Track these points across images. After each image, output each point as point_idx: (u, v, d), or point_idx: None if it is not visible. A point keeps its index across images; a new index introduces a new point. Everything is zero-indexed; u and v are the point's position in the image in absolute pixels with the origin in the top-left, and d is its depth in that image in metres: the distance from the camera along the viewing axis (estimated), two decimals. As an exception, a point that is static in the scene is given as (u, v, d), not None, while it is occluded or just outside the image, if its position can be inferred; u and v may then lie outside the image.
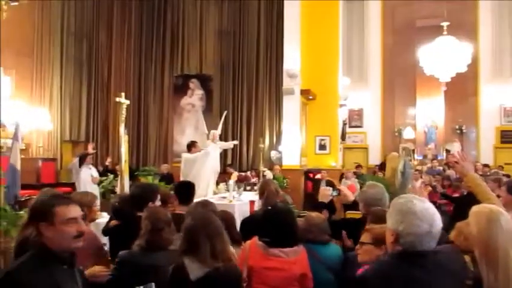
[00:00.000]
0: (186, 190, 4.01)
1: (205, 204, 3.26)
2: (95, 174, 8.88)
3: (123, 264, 2.68)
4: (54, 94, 13.16)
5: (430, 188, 7.59)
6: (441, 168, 12.66)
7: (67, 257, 1.89)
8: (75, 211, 1.97)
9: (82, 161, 8.65)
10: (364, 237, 2.39)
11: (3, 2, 8.34)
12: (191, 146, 7.84)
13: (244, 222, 3.89)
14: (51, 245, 1.86)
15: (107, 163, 11.32)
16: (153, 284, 2.27)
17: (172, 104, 13.78)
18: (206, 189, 7.55)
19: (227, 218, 3.12)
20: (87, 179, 8.52)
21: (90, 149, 9.00)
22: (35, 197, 2.75)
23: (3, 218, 4.49)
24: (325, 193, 3.75)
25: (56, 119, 13.04)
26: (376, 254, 2.27)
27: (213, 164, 8.02)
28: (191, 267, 2.30)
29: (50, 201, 1.94)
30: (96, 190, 8.25)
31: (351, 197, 3.76)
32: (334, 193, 3.69)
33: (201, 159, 7.62)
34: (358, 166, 12.66)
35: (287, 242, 2.76)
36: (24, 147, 11.32)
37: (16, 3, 8.95)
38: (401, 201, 1.92)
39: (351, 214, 3.70)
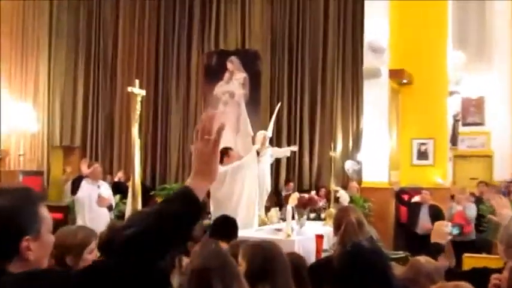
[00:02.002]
0: (222, 227, 4.07)
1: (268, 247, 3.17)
2: (106, 192, 8.53)
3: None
4: (41, 83, 13.75)
5: None
6: None
7: None
8: None
9: (75, 187, 8.50)
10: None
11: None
12: (223, 155, 7.87)
13: (313, 269, 3.80)
14: None
15: (115, 179, 11.64)
16: None
17: (202, 93, 14.08)
18: (248, 218, 7.57)
19: (299, 264, 3.11)
20: (90, 200, 8.25)
21: (84, 168, 8.79)
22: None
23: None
24: (442, 230, 3.60)
25: (42, 117, 13.62)
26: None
27: (259, 181, 8.06)
28: None
29: None
30: (106, 217, 8.20)
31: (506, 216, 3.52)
32: (455, 231, 3.54)
33: (236, 172, 7.64)
34: (483, 183, 11.97)
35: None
36: (-1, 157, 12.03)
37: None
38: None
39: (472, 258, 3.53)
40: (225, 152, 7.97)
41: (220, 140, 1.63)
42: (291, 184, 12.09)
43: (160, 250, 1.59)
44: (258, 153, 7.82)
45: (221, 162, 7.80)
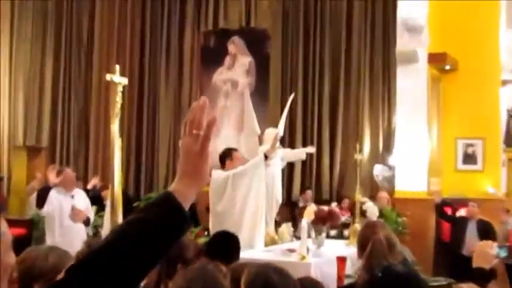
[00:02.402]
0: (221, 245, 4.10)
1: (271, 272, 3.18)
2: (83, 204, 8.53)
3: None
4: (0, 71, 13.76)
5: None
6: None
7: None
8: None
9: (42, 199, 8.35)
10: None
11: None
12: (226, 157, 7.88)
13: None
14: None
15: (88, 187, 11.65)
16: None
17: (197, 82, 14.12)
18: (253, 236, 7.57)
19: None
20: (62, 213, 8.20)
21: (52, 176, 8.68)
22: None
23: None
24: (486, 252, 3.59)
25: (1, 111, 13.60)
26: None
27: (267, 190, 8.13)
28: None
29: None
30: (82, 234, 8.19)
31: None
32: (503, 253, 3.52)
33: (238, 180, 7.64)
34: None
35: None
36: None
37: None
38: None
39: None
40: (228, 153, 7.98)
41: (210, 136, 1.62)
42: (307, 194, 12.07)
43: (126, 272, 1.54)
44: (266, 156, 7.82)
45: (223, 166, 7.82)
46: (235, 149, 8.29)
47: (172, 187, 1.62)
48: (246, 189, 7.66)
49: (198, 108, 1.63)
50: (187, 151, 1.63)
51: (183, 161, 1.65)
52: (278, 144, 8.46)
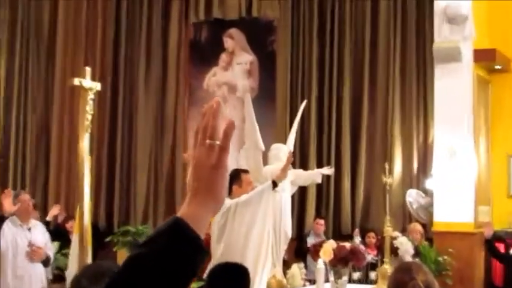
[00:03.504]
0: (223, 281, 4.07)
1: None
2: (42, 239, 8.45)
3: None
4: None
5: None
6: None
7: None
8: None
9: None
10: None
11: None
12: (232, 181, 7.82)
13: None
14: None
15: (48, 218, 11.61)
16: None
17: (185, 86, 14.18)
18: (256, 280, 7.56)
19: None
20: (16, 250, 8.14)
21: (8, 203, 8.38)
22: None
23: None
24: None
25: None
26: None
27: (275, 223, 8.17)
28: None
29: None
30: (41, 276, 8.22)
31: None
32: None
33: (239, 214, 7.61)
34: None
35: None
36: None
37: None
38: None
39: None
40: (236, 176, 7.93)
41: (228, 146, 1.62)
42: (323, 225, 11.99)
43: None
44: (275, 183, 7.78)
45: (229, 193, 7.77)
46: (244, 171, 8.18)
47: (181, 212, 1.58)
48: (248, 225, 7.64)
49: (211, 112, 1.64)
50: (199, 165, 1.62)
51: (194, 178, 1.62)
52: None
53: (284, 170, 7.84)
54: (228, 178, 1.65)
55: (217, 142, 1.61)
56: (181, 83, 14.19)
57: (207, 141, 1.61)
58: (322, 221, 11.99)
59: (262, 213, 7.71)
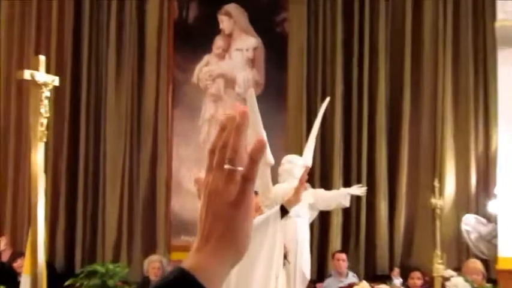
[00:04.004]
0: None
1: None
2: None
3: None
4: None
5: None
6: None
7: None
8: None
9: None
10: None
11: None
12: None
13: None
14: None
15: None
16: None
17: (168, 79, 14.17)
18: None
19: None
20: None
21: None
22: None
23: None
24: None
25: None
26: None
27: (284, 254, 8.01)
28: None
29: None
30: None
31: None
32: None
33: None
34: None
35: None
36: None
37: None
38: None
39: None
40: None
41: (255, 175, 1.50)
42: (343, 258, 11.86)
43: None
44: (284, 209, 7.64)
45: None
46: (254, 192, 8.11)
47: (188, 262, 1.51)
48: (250, 265, 7.57)
49: (233, 125, 1.53)
50: (214, 199, 1.54)
51: (206, 215, 1.55)
52: (304, 182, 8.31)
53: (297, 193, 7.75)
54: (252, 220, 1.56)
55: (240, 168, 1.50)
56: (163, 76, 14.17)
57: (226, 166, 1.51)
58: (343, 255, 11.97)
59: (268, 250, 7.69)
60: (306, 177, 8.10)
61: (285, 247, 7.71)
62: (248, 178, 1.50)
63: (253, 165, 1.49)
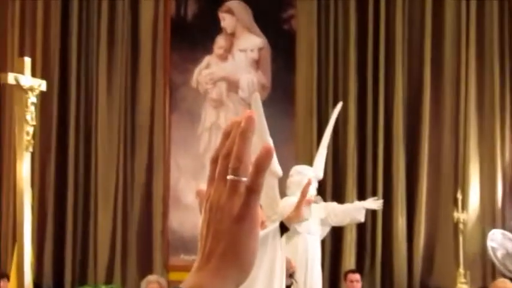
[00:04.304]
0: None
1: None
2: None
3: None
4: None
5: None
6: None
7: None
8: None
9: None
10: None
11: None
12: None
13: None
14: None
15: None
16: None
17: (164, 82, 14.19)
18: None
19: None
20: None
21: None
22: None
23: None
24: None
25: None
26: None
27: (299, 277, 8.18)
28: None
29: None
30: None
31: None
32: None
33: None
34: None
35: None
36: None
37: None
38: None
39: None
40: None
41: (261, 188, 1.49)
42: (357, 279, 11.86)
43: None
44: (284, 226, 7.73)
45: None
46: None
47: (187, 283, 1.51)
48: (247, 284, 7.54)
49: (238, 131, 1.51)
50: (216, 213, 1.53)
51: (207, 231, 1.54)
52: (314, 195, 8.45)
53: (298, 208, 7.75)
54: (258, 236, 1.57)
55: (244, 179, 1.49)
56: (159, 79, 14.17)
57: (229, 176, 1.50)
58: (357, 276, 11.85)
59: (267, 270, 7.57)
60: (308, 190, 8.18)
61: (291, 265, 7.68)
62: (253, 190, 1.48)
63: (258, 175, 1.47)
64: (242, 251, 1.53)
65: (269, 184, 9.02)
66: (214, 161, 1.52)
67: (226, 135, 1.51)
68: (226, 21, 13.82)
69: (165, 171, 13.81)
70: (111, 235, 13.98)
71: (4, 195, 13.18)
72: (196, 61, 13.95)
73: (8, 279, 8.99)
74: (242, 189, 1.48)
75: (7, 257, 12.29)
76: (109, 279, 13.50)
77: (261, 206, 8.02)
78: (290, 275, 7.57)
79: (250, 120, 1.47)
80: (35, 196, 10.20)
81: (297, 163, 10.08)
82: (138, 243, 13.98)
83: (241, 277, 1.54)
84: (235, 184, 1.48)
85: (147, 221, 14.03)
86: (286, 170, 9.17)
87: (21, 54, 7.36)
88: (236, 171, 1.47)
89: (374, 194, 11.97)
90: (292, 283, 7.73)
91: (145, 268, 13.51)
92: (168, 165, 13.89)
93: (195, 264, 1.52)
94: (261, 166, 1.47)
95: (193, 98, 13.73)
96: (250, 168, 1.48)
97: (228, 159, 1.48)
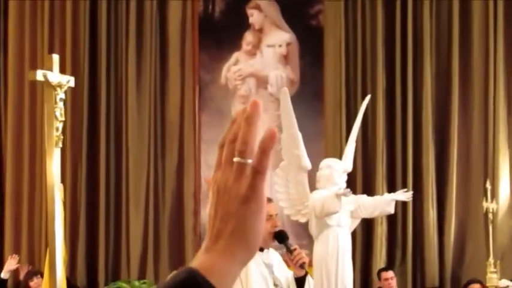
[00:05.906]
0: None
1: None
2: None
3: None
4: None
5: None
6: None
7: None
8: None
9: None
10: None
11: None
12: None
13: None
14: None
15: (3, 275, 11.69)
16: None
17: (193, 79, 14.25)
18: None
19: None
20: None
21: None
22: None
23: None
24: None
25: None
26: None
27: (326, 272, 8.33)
28: None
29: None
30: None
31: None
32: None
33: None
34: None
35: None
36: None
37: None
38: None
39: None
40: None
41: (266, 169, 1.54)
42: (391, 277, 11.84)
43: None
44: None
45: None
46: (269, 199, 8.18)
47: (197, 261, 1.55)
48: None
49: (244, 118, 1.59)
50: (223, 195, 1.57)
51: (215, 213, 1.58)
52: (344, 189, 8.43)
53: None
54: (265, 216, 1.60)
55: (250, 161, 1.54)
56: (188, 77, 14.20)
57: (235, 159, 1.55)
58: (390, 273, 11.87)
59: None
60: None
61: (300, 256, 7.47)
62: (259, 171, 1.52)
63: (263, 157, 1.51)
64: (249, 232, 1.56)
65: (298, 179, 9.01)
66: (222, 146, 1.57)
67: (233, 122, 1.58)
68: (254, 17, 13.82)
69: (195, 169, 13.86)
70: (144, 231, 14.03)
71: (37, 192, 13.23)
72: (224, 58, 13.99)
73: (42, 276, 8.99)
74: (248, 171, 1.53)
75: (41, 253, 12.34)
76: (142, 275, 13.54)
77: (271, 200, 8.09)
78: (301, 266, 7.31)
79: (255, 106, 1.58)
80: (67, 193, 10.24)
81: (326, 157, 10.03)
82: (170, 239, 14.03)
83: (247, 256, 1.57)
84: (241, 166, 1.53)
85: (179, 217, 14.08)
86: (315, 165, 9.13)
87: (51, 52, 7.28)
88: (242, 154, 1.53)
89: (404, 186, 11.79)
90: (306, 274, 7.49)
91: (177, 263, 13.39)
92: (198, 162, 13.94)
93: (203, 245, 1.57)
94: (266, 148, 1.52)
95: (222, 95, 13.77)
96: (256, 150, 1.53)
97: (234, 144, 1.54)
